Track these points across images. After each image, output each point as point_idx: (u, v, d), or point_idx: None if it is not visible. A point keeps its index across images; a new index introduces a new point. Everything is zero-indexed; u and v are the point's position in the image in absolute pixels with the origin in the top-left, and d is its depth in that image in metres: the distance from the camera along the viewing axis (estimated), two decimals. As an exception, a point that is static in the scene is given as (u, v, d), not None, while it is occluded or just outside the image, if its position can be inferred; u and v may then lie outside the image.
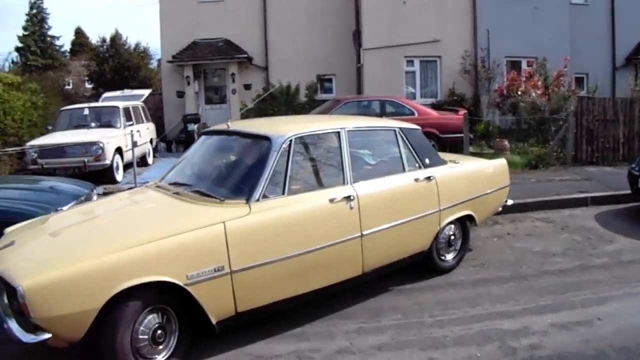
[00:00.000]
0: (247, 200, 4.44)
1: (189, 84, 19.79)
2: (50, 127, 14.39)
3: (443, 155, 6.40)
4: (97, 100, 20.55)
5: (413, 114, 13.59)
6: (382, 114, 13.55)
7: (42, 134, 14.46)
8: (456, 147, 12.96)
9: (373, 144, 5.77)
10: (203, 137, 5.81)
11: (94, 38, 47.46)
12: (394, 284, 5.66)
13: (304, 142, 5.04)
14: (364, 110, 13.96)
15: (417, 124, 13.20)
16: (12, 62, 35.77)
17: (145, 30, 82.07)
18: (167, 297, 4.08)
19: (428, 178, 5.60)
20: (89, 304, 3.72)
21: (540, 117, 14.10)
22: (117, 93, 22.18)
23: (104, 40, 39.37)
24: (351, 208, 4.90)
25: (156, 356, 4.08)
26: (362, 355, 4.30)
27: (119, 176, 12.63)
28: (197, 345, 4.38)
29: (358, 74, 19.25)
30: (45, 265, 3.87)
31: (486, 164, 6.72)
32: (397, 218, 5.25)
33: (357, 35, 18.91)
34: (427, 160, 5.74)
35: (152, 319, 4.05)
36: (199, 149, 5.67)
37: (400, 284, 5.66)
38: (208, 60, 19.74)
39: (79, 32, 46.29)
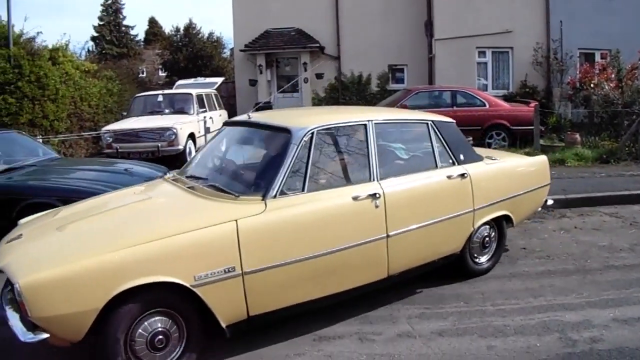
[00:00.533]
0: (264, 197, 4.14)
1: (261, 72, 20.24)
2: (125, 113, 14.98)
3: (479, 151, 6.00)
4: (170, 88, 20.98)
5: (484, 105, 13.66)
6: (453, 104, 13.64)
7: (116, 120, 15.10)
8: (527, 139, 13.02)
9: (403, 138, 5.40)
10: (226, 128, 5.55)
11: (167, 28, 48.47)
12: (458, 272, 5.58)
13: (328, 135, 4.71)
14: (435, 100, 13.99)
15: (488, 116, 13.57)
16: (88, 50, 37.08)
17: (217, 20, 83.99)
18: (174, 300, 3.83)
19: (462, 175, 5.20)
20: (88, 304, 3.52)
21: (612, 110, 13.59)
22: (191, 81, 22.58)
23: (177, 30, 40.09)
24: (376, 207, 4.55)
25: None
26: (422, 339, 4.35)
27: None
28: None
29: (429, 64, 19.13)
30: (46, 262, 3.70)
31: (526, 161, 6.29)
32: (427, 218, 4.89)
33: (428, 25, 18.79)
34: (461, 156, 5.33)
35: (154, 323, 3.79)
36: (219, 141, 5.41)
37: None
38: (280, 50, 20.13)
39: (152, 22, 47.60)
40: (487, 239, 5.58)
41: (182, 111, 14.07)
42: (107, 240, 3.86)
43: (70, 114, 14.48)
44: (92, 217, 4.48)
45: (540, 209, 6.40)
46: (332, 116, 5.08)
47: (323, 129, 4.63)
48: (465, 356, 4.08)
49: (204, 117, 13.88)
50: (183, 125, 12.84)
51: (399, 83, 20.20)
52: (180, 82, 22.83)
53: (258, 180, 4.48)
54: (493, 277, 5.56)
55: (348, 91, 19.55)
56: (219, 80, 23.24)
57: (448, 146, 5.31)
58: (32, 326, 3.54)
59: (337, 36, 20.49)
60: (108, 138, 12.70)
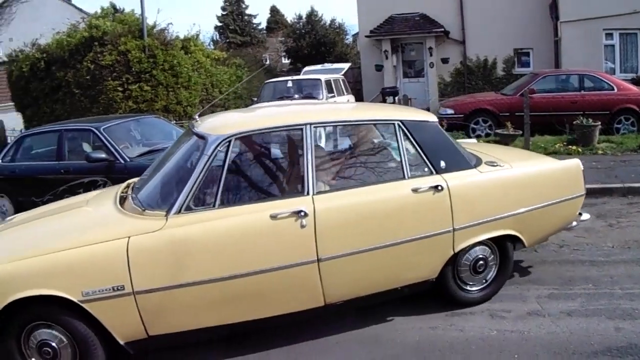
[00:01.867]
0: (167, 213, 3.82)
1: (387, 57, 20.24)
2: (255, 99, 15.41)
3: (485, 153, 5.00)
4: (296, 75, 21.41)
5: (612, 89, 12.86)
6: (581, 88, 13.03)
7: (246, 105, 15.80)
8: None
9: (361, 143, 4.64)
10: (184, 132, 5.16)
11: (288, 16, 49.25)
12: (587, 256, 5.63)
13: (252, 143, 4.23)
14: (562, 84, 13.49)
15: (617, 100, 12.47)
16: (212, 40, 38.64)
17: (339, 7, 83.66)
18: (65, 314, 3.77)
19: (435, 187, 4.25)
20: None
21: None
22: (318, 67, 23.04)
23: (300, 17, 40.68)
24: (302, 226, 3.90)
25: None
26: (551, 318, 4.40)
27: (322, 144, 12.88)
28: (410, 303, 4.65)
29: (555, 47, 18.03)
30: None
31: (546, 166, 4.95)
32: (379, 240, 4.09)
33: (553, 7, 17.69)
34: (442, 164, 4.37)
35: (42, 334, 3.81)
36: (171, 147, 5.05)
37: (594, 257, 5.61)
38: (405, 35, 20.01)
39: (274, 10, 48.72)
40: (481, 262, 4.55)
41: (311, 96, 14.16)
42: (9, 250, 3.98)
43: (202, 99, 15.27)
44: (18, 226, 4.60)
45: (573, 224, 5.06)
46: (261, 120, 4.48)
47: (245, 136, 4.12)
48: (593, 336, 4.09)
49: (334, 101, 13.82)
50: None
51: (525, 67, 19.37)
52: (307, 68, 23.05)
53: (166, 194, 4.14)
54: (622, 262, 5.42)
55: (473, 76, 19.07)
56: (345, 66, 23.24)
57: (423, 151, 4.37)
58: None
59: (461, 20, 19.73)
60: None
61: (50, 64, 14.84)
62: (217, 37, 42.10)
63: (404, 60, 20.94)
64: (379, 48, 20.34)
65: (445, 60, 19.67)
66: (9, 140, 17.63)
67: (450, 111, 13.51)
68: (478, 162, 4.65)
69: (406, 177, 4.30)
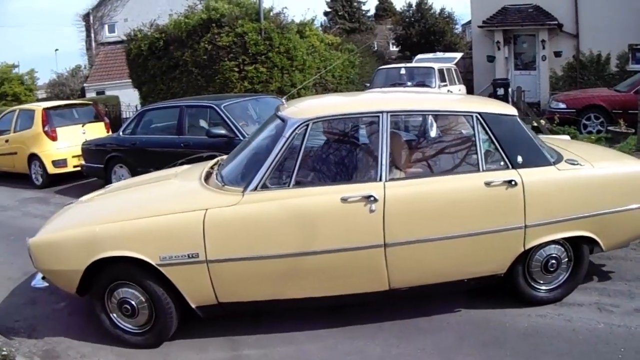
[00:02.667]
0: (244, 189, 4.08)
1: (499, 49, 19.76)
2: (367, 84, 15.77)
3: (568, 150, 4.82)
4: (406, 62, 21.16)
5: None
6: None
7: (357, 90, 15.90)
8: None
9: (436, 133, 4.65)
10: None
11: (397, 4, 48.40)
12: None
13: (328, 127, 4.37)
14: None
15: None
16: (321, 25, 38.60)
17: None
18: (146, 275, 4.17)
19: (509, 182, 4.17)
20: (72, 265, 4.19)
21: None
22: (430, 55, 22.67)
23: (409, 6, 39.53)
24: (371, 211, 4.00)
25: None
26: None
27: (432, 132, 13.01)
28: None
29: None
30: (54, 227, 4.57)
31: (630, 169, 4.68)
32: (447, 230, 4.11)
33: None
34: (519, 159, 4.27)
35: (124, 292, 4.28)
36: (258, 128, 5.36)
37: None
38: (518, 26, 19.38)
39: None
40: (553, 262, 4.44)
41: (423, 84, 14.21)
42: (99, 215, 4.51)
43: (316, 83, 15.49)
44: (111, 193, 5.14)
45: None
46: (339, 107, 4.60)
47: (322, 120, 4.29)
48: None
49: (447, 90, 13.84)
50: None
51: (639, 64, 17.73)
52: (419, 56, 22.71)
53: (245, 172, 4.39)
54: None
55: (586, 70, 17.97)
56: (457, 55, 22.62)
57: (500, 145, 4.30)
58: (43, 277, 4.48)
59: (575, 13, 18.58)
60: None
61: (168, 44, 15.55)
62: (327, 22, 42.33)
63: (515, 52, 20.29)
64: (490, 39, 19.85)
65: (557, 54, 18.85)
66: (124, 115, 18.77)
67: (562, 105, 13.13)
68: (558, 159, 4.52)
69: (481, 169, 4.27)
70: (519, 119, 4.54)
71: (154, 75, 15.97)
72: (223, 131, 7.67)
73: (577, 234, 4.40)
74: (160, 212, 4.16)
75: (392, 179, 4.15)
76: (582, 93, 14.01)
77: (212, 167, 5.00)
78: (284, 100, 4.96)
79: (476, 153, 4.31)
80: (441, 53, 24.05)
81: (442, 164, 4.48)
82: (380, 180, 4.12)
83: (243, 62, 14.17)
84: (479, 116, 4.35)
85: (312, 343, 4.24)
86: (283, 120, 4.36)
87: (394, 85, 14.16)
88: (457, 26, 41.53)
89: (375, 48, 36.30)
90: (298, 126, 4.15)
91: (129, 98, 19.30)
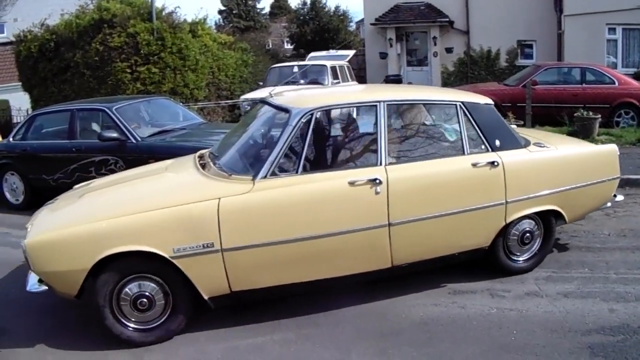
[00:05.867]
0: (254, 177, 4.17)
1: (391, 46, 20.54)
2: (261, 83, 15.71)
3: (531, 136, 5.39)
4: (300, 60, 21.54)
5: (613, 83, 13.03)
6: (582, 81, 13.15)
7: (252, 89, 15.93)
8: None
9: (426, 121, 5.00)
10: (259, 105, 5.47)
11: (292, 2, 49.72)
12: (584, 242, 5.85)
13: (330, 116, 4.57)
14: (564, 77, 13.61)
15: (617, 94, 12.63)
16: (216, 24, 38.61)
17: None
18: (158, 269, 4.11)
19: (492, 163, 4.65)
20: (78, 264, 3.99)
21: None
22: (323, 53, 23.13)
23: (304, 4, 40.48)
24: (377, 193, 4.28)
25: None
26: (548, 299, 4.62)
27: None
28: (392, 283, 4.84)
29: (559, 40, 18.24)
30: (50, 225, 4.30)
31: (587, 149, 5.43)
32: (442, 208, 4.49)
33: (558, 0, 17.90)
34: (497, 142, 4.76)
35: (136, 287, 4.15)
36: (244, 120, 5.44)
37: (590, 243, 5.82)
38: (410, 24, 20.24)
39: None
40: (527, 234, 4.98)
41: (316, 82, 14.41)
42: (102, 210, 4.30)
43: (209, 83, 15.46)
44: (107, 188, 4.93)
45: (608, 204, 5.51)
46: (340, 96, 4.88)
47: (325, 110, 4.50)
48: (588, 316, 4.30)
49: None
50: None
51: (528, 59, 19.51)
52: (313, 54, 23.20)
53: (252, 160, 4.50)
54: (617, 249, 5.63)
55: (477, 66, 19.29)
56: (350, 53, 23.32)
57: (481, 130, 4.77)
58: (40, 280, 4.17)
59: (466, 11, 19.97)
60: (246, 106, 13.57)
61: (59, 45, 14.86)
62: (221, 21, 41.92)
63: (408, 49, 21.21)
64: (383, 36, 20.57)
65: (449, 50, 19.85)
66: (14, 120, 17.72)
67: None
68: (527, 142, 5.06)
69: (465, 153, 4.70)
70: (494, 108, 5.04)
71: (44, 78, 15.19)
72: (115, 134, 7.53)
73: (547, 208, 4.96)
74: (171, 204, 4.11)
75: (390, 163, 4.44)
76: (473, 88, 14.72)
77: (201, 159, 5.00)
78: (272, 93, 5.10)
79: (461, 138, 4.73)
80: (334, 51, 24.55)
81: (433, 148, 4.81)
82: (381, 164, 4.41)
83: (135, 63, 13.82)
84: (462, 105, 4.78)
85: (213, 343, 4.23)
86: (286, 110, 4.49)
87: (287, 83, 14.22)
88: (351, 24, 42.60)
89: (270, 46, 36.31)
90: (303, 115, 4.31)
91: (20, 102, 18.20)
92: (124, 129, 7.63)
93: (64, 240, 4.07)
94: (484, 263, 5.04)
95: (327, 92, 5.61)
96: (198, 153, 5.29)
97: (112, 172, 7.37)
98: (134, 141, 7.52)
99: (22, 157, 8.61)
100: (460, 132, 4.73)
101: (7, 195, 8.82)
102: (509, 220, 4.78)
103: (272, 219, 4.15)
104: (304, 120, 4.29)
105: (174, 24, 14.53)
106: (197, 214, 4.07)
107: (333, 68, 15.17)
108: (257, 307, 4.59)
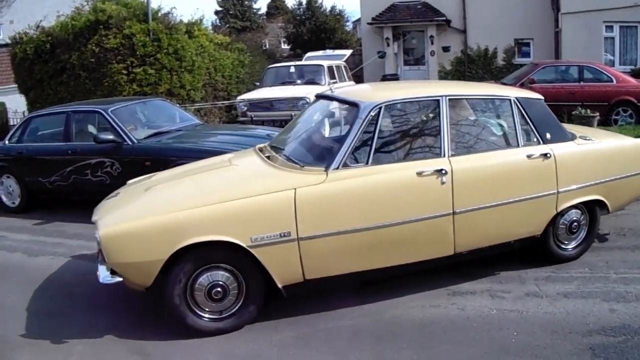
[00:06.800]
0: (326, 168, 4.33)
1: (388, 45, 20.54)
2: (257, 83, 15.75)
3: (575, 130, 5.61)
4: (296, 60, 21.58)
5: (611, 80, 13.12)
6: (580, 79, 13.30)
7: (248, 90, 15.92)
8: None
9: (482, 115, 5.20)
10: (318, 101, 5.72)
11: (289, 1, 49.26)
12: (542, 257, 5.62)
13: (397, 110, 4.74)
14: (562, 75, 13.75)
15: (615, 92, 12.81)
16: (213, 24, 38.60)
17: None
18: (234, 258, 4.22)
19: (545, 155, 4.91)
20: (154, 255, 4.06)
21: None
22: (320, 53, 23.07)
23: (300, 4, 40.48)
24: (442, 183, 4.50)
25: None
26: (548, 299, 4.60)
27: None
28: (391, 285, 4.85)
29: (556, 38, 18.46)
30: (123, 217, 4.36)
31: (628, 142, 5.68)
32: (501, 197, 4.71)
33: None
34: (547, 135, 5.01)
35: (212, 277, 4.24)
36: (305, 114, 5.66)
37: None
38: (407, 23, 20.39)
39: None
40: (575, 223, 5.22)
41: (313, 82, 14.41)
42: (177, 201, 4.40)
43: (205, 84, 15.48)
44: (174, 181, 5.04)
45: None
46: (406, 91, 5.10)
47: (392, 104, 4.67)
48: (589, 317, 4.28)
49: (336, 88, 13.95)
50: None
51: (525, 57, 19.74)
52: (309, 54, 23.22)
53: (324, 152, 4.68)
54: (617, 248, 5.63)
55: (474, 65, 19.36)
56: (347, 52, 23.39)
57: (533, 124, 5.02)
58: (112, 271, 4.20)
59: (463, 9, 20.21)
60: (243, 107, 13.54)
61: (55, 47, 14.73)
62: (218, 21, 41.75)
63: (405, 48, 21.34)
64: (380, 35, 20.66)
65: (446, 49, 19.93)
66: (11, 122, 17.52)
67: None
68: (573, 136, 5.31)
69: (519, 145, 4.94)
70: (544, 102, 5.29)
71: (40, 80, 15.06)
72: (111, 136, 7.50)
73: (593, 198, 5.21)
74: (249, 194, 4.22)
75: (452, 155, 4.65)
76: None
77: (262, 151, 5.16)
78: (332, 88, 5.38)
79: (515, 131, 4.97)
80: (331, 50, 24.55)
81: (489, 140, 5.05)
82: (444, 156, 4.62)
83: (131, 65, 13.77)
84: (515, 99, 5.04)
85: (208, 349, 4.20)
86: (354, 104, 4.69)
87: (283, 83, 14.45)
88: (348, 23, 42.93)
89: (267, 46, 36.19)
90: (372, 108, 4.51)
91: (17, 104, 18.00)
92: (119, 130, 7.62)
93: (140, 231, 4.13)
94: (532, 252, 5.22)
95: (391, 86, 5.91)
96: (257, 146, 5.44)
97: (109, 174, 7.53)
98: (129, 143, 7.52)
99: (18, 159, 8.52)
100: (514, 126, 4.96)
101: (3, 198, 8.74)
102: (559, 209, 5.01)
103: (345, 208, 4.30)
104: (373, 114, 4.48)
105: (170, 24, 14.51)
106: (275, 204, 4.20)
107: (330, 68, 15.16)
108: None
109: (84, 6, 15.43)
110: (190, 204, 4.24)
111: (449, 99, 4.77)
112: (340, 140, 4.52)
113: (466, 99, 5.09)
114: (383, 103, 4.55)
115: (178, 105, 11.54)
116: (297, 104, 12.76)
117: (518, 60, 19.58)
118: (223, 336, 4.30)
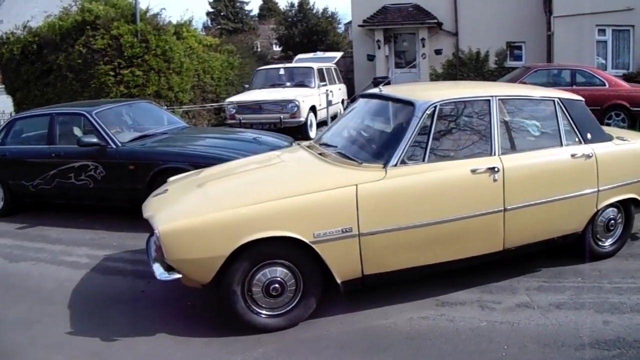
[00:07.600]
0: (385, 165, 4.39)
1: (379, 47, 20.44)
2: (247, 85, 15.51)
3: (610, 131, 5.75)
4: (287, 62, 21.33)
5: (604, 84, 13.02)
6: (573, 83, 13.09)
7: (238, 92, 15.68)
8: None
9: (529, 115, 5.30)
10: (360, 100, 5.83)
11: (281, 3, 49.20)
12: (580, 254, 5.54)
13: (451, 109, 4.83)
14: (554, 79, 13.52)
15: (608, 96, 12.89)
16: (204, 26, 38.36)
17: None
18: (293, 254, 4.22)
19: (587, 155, 5.06)
20: (216, 251, 4.04)
21: None
22: (310, 55, 22.75)
23: (292, 6, 40.25)
24: (495, 180, 4.60)
25: None
26: (540, 310, 4.48)
27: (313, 133, 13.21)
28: (386, 292, 4.78)
29: (548, 42, 18.32)
30: (182, 213, 4.36)
31: None
32: (547, 195, 4.83)
33: (547, 2, 18.01)
34: (588, 135, 5.16)
35: (270, 273, 4.23)
36: (352, 112, 5.77)
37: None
38: (398, 25, 20.16)
39: None
40: (612, 221, 5.37)
41: (303, 84, 14.34)
42: (237, 197, 4.42)
43: (194, 86, 15.27)
44: (228, 177, 5.06)
45: None
46: (457, 91, 5.23)
47: (446, 103, 4.75)
48: (582, 329, 4.15)
49: (325, 90, 14.12)
50: (305, 97, 13.13)
51: (517, 60, 19.55)
52: (299, 56, 22.90)
53: (381, 150, 4.70)
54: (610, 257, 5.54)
55: (465, 67, 19.12)
56: (337, 54, 23.14)
57: (575, 125, 5.16)
58: (168, 268, 4.15)
59: (455, 12, 19.98)
60: (231, 109, 13.31)
61: (42, 47, 14.44)
62: (209, 23, 41.37)
63: (396, 51, 21.16)
64: (371, 38, 20.45)
65: (437, 52, 19.69)
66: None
67: None
68: (610, 136, 5.46)
69: (563, 144, 5.07)
70: (585, 104, 5.44)
71: (27, 81, 14.72)
72: (94, 139, 7.35)
73: (629, 196, 5.37)
74: (311, 190, 4.25)
75: (503, 153, 4.75)
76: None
77: (311, 148, 5.23)
78: (381, 88, 5.44)
79: (558, 131, 5.11)
80: (321, 53, 24.18)
81: (535, 139, 5.18)
82: (495, 154, 4.72)
83: (119, 66, 13.51)
84: (559, 100, 5.18)
85: None
86: (409, 102, 4.76)
87: (273, 86, 14.35)
88: (339, 25, 42.60)
89: (258, 48, 35.92)
90: (428, 107, 4.60)
91: (3, 105, 17.64)
92: (103, 133, 7.45)
93: (202, 227, 4.10)
94: (571, 249, 5.34)
95: (445, 86, 6.11)
96: (305, 143, 5.52)
97: (92, 178, 7.37)
98: (113, 146, 7.37)
99: (1, 163, 8.32)
100: (558, 126, 5.10)
101: (-13, 202, 8.47)
102: (600, 206, 5.16)
103: (403, 204, 4.36)
104: (429, 112, 4.58)
105: (159, 25, 14.31)
106: (337, 200, 4.22)
107: (320, 70, 15.05)
108: (235, 320, 4.33)
109: (72, 6, 15.13)
110: (252, 199, 4.23)
111: (499, 99, 4.90)
112: (396, 137, 4.57)
113: (514, 99, 5.20)
114: (438, 102, 4.64)
115: (165, 107, 11.45)
116: (286, 106, 12.66)
117: (510, 63, 19.47)
118: (200, 348, 4.19)
